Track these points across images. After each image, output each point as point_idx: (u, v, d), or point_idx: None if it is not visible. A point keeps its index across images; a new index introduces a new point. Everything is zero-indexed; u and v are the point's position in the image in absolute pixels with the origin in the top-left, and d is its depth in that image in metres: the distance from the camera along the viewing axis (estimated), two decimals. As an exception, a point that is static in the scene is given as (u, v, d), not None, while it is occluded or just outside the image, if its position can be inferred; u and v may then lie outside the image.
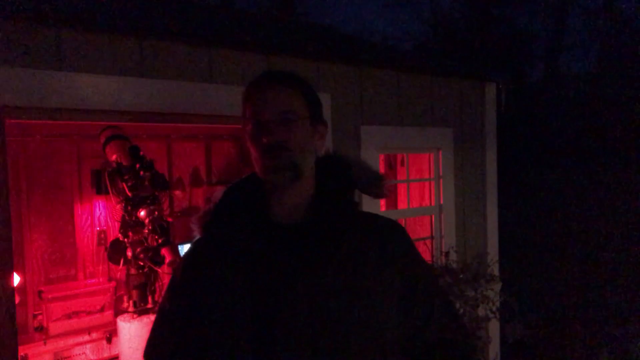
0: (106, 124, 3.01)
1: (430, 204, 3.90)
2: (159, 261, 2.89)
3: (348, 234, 1.07)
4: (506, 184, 5.57)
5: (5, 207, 2.05)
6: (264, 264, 1.03)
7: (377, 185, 1.19)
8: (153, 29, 2.48)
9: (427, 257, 3.80)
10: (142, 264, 2.90)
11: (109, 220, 3.49)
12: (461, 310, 3.45)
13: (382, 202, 3.73)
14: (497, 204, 4.25)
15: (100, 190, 3.27)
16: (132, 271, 2.95)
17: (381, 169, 4.14)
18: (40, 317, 3.06)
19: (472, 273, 3.79)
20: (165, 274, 3.00)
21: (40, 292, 3.09)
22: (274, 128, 1.03)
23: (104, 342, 3.11)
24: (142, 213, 2.88)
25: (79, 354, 3.03)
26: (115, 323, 2.97)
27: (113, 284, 3.28)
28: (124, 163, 2.93)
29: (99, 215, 3.47)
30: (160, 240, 2.86)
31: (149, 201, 2.90)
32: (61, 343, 2.99)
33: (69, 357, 3.00)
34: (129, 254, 2.91)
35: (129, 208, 2.91)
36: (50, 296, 3.02)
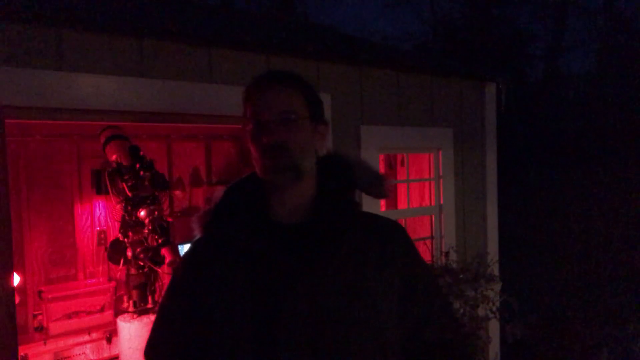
0: (106, 124, 3.01)
1: (430, 204, 3.90)
2: (159, 261, 2.89)
3: (348, 234, 1.07)
4: (506, 184, 5.57)
5: (5, 207, 2.05)
6: (264, 263, 1.03)
7: (378, 185, 1.19)
8: (153, 29, 2.48)
9: (427, 257, 3.80)
10: (142, 264, 2.90)
11: (109, 220, 3.49)
12: (461, 310, 3.45)
13: (382, 202, 3.72)
14: (497, 204, 4.25)
15: (100, 190, 3.27)
16: (132, 271, 2.94)
17: (381, 169, 4.14)
18: (40, 317, 3.06)
19: (472, 273, 3.79)
20: (165, 274, 3.00)
21: (40, 292, 3.09)
22: (274, 128, 1.03)
23: (104, 342, 3.11)
24: (142, 213, 2.88)
25: (79, 354, 3.03)
26: (115, 323, 2.97)
27: (113, 284, 3.28)
28: (124, 163, 2.93)
29: (99, 215, 3.47)
30: (160, 240, 2.86)
31: (149, 201, 2.90)
32: (61, 343, 2.99)
33: (69, 357, 3.00)
34: (129, 254, 2.91)
35: (129, 208, 2.91)
36: (50, 296, 3.02)
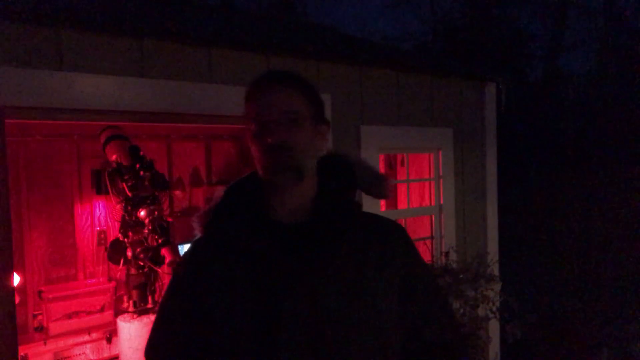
0: (106, 124, 3.01)
1: (430, 204, 3.90)
2: (159, 261, 2.89)
3: (349, 234, 1.07)
4: (506, 184, 5.57)
5: (5, 207, 2.05)
6: (264, 263, 1.03)
7: (378, 185, 1.19)
8: (153, 29, 2.48)
9: (427, 257, 3.79)
10: (142, 264, 2.90)
11: (109, 220, 3.49)
12: (461, 310, 3.45)
13: (382, 202, 3.72)
14: (497, 204, 4.25)
15: (100, 190, 3.27)
16: (132, 271, 2.95)
17: (381, 169, 4.14)
18: (40, 317, 3.06)
19: (472, 273, 3.80)
20: (165, 274, 3.00)
21: (40, 292, 3.09)
22: (277, 128, 1.03)
23: (104, 342, 3.11)
24: (142, 213, 2.88)
25: (79, 354, 3.03)
26: (115, 323, 2.97)
27: (113, 284, 3.28)
28: (124, 163, 2.93)
29: (99, 215, 3.47)
30: (160, 240, 2.86)
31: (149, 201, 2.90)
32: (61, 343, 2.99)
33: (69, 357, 3.00)
34: (129, 254, 2.91)
35: (129, 208, 2.91)
36: (50, 296, 3.02)
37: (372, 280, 1.06)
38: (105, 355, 3.10)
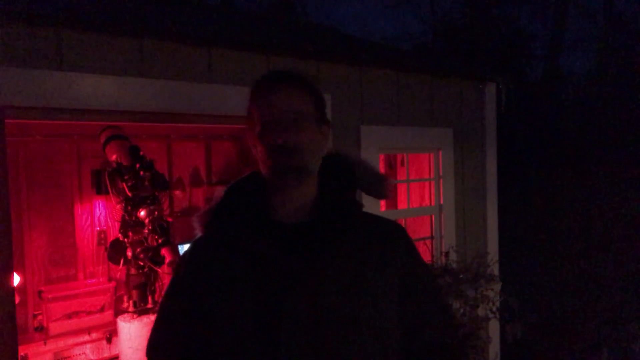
0: (106, 124, 3.01)
1: (430, 204, 3.90)
2: (159, 261, 2.90)
3: (349, 234, 1.07)
4: (506, 184, 5.57)
5: (5, 207, 2.05)
6: (265, 263, 1.03)
7: (379, 185, 1.19)
8: (153, 29, 2.48)
9: (427, 257, 3.79)
10: (142, 264, 2.90)
11: (109, 220, 3.49)
12: (461, 310, 3.45)
13: (382, 202, 3.72)
14: (497, 204, 4.25)
15: (100, 190, 3.27)
16: (132, 271, 2.95)
17: (381, 169, 4.14)
18: (40, 317, 3.06)
19: (472, 273, 3.79)
20: (165, 274, 3.01)
21: (40, 292, 3.09)
22: (284, 129, 1.02)
23: (104, 342, 3.11)
24: (142, 213, 2.88)
25: (79, 354, 3.03)
26: (115, 323, 2.97)
27: (113, 284, 3.28)
28: (124, 163, 2.93)
29: (99, 215, 3.47)
30: (160, 240, 2.87)
31: (149, 201, 2.91)
32: (61, 343, 2.99)
33: (69, 357, 3.00)
34: (129, 254, 2.91)
35: (129, 208, 2.91)
36: (50, 296, 3.02)
37: (372, 280, 1.06)
38: (105, 355, 3.10)
